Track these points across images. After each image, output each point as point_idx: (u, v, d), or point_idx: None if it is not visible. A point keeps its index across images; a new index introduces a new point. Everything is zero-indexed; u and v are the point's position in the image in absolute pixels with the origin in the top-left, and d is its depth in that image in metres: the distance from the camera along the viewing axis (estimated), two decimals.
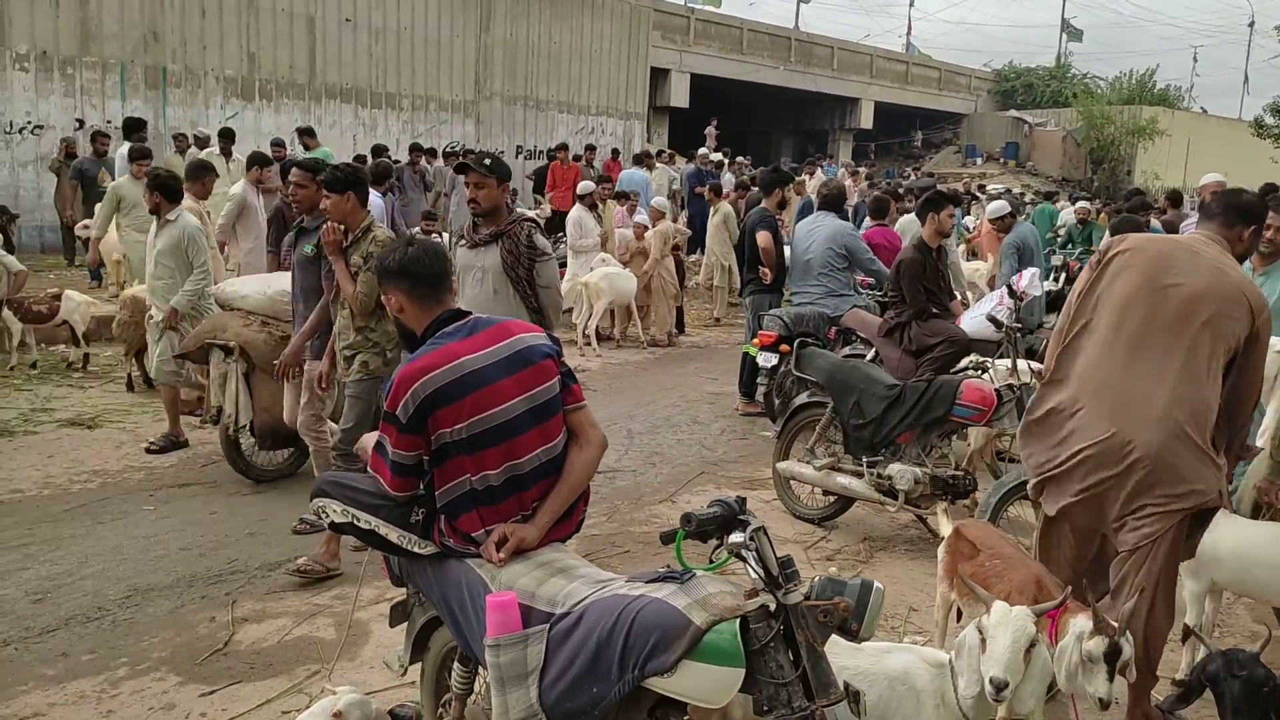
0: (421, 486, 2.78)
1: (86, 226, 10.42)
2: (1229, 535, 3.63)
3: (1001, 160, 35.90)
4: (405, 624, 3.10)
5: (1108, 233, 9.61)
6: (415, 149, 14.05)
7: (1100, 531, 3.52)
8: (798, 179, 15.12)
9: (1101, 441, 3.34)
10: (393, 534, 2.79)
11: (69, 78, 14.42)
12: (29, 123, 13.99)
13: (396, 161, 13.57)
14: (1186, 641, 3.95)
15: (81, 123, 14.30)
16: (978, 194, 22.09)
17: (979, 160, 36.35)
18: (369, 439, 2.83)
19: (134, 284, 8.50)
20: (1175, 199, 10.91)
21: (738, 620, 2.22)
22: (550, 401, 2.76)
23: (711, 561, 2.44)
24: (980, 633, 2.58)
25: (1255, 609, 4.75)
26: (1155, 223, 9.58)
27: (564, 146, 16.32)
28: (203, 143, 13.64)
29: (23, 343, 8.30)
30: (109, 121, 14.30)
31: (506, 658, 2.43)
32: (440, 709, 3.01)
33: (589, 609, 2.40)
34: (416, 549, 2.77)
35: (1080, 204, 14.56)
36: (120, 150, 11.25)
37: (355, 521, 2.84)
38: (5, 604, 4.36)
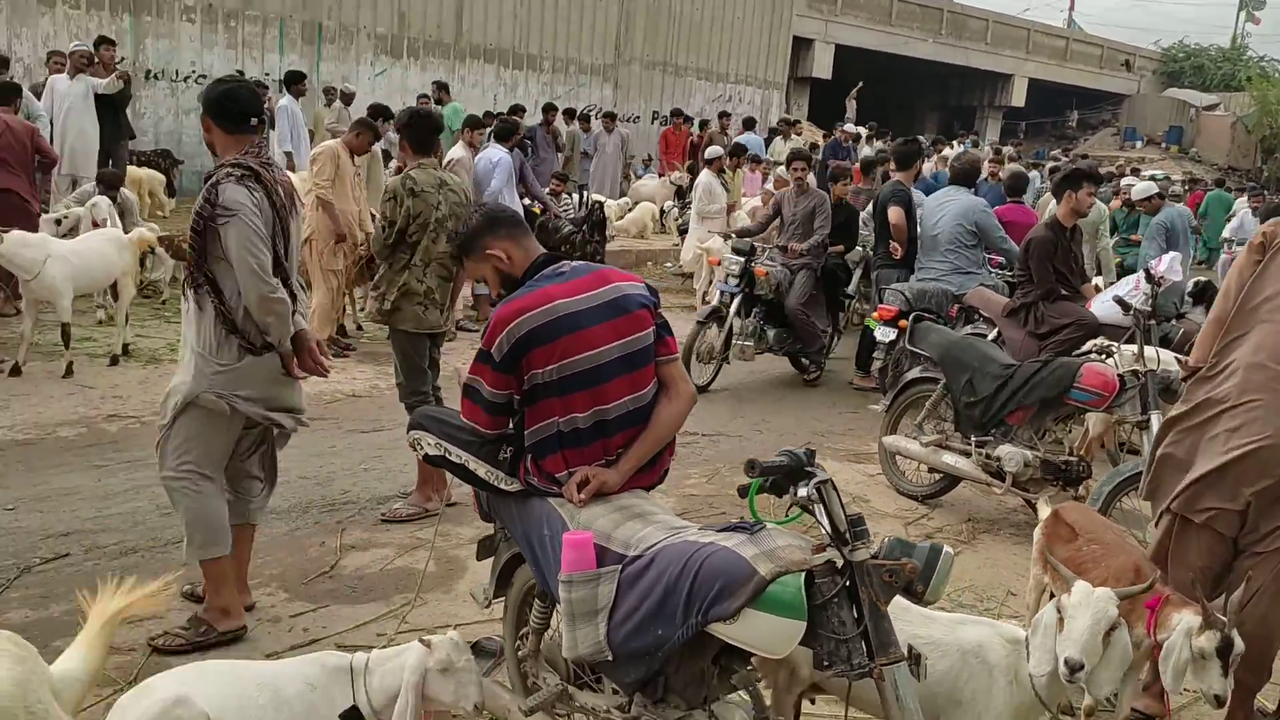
0: (510, 425, 2.86)
1: None
2: None
3: (1163, 145, 33.99)
4: (491, 558, 3.21)
5: (1258, 221, 9.01)
6: (548, 109, 14.23)
7: (1234, 538, 3.26)
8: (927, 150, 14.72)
9: (1269, 438, 3.09)
10: (481, 469, 2.88)
11: (231, 30, 15.13)
12: (193, 72, 14.74)
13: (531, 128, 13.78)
14: None
15: (242, 74, 14.98)
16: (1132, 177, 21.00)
17: (1139, 144, 34.50)
18: (463, 370, 2.92)
19: None
20: None
21: (803, 574, 2.22)
22: (642, 351, 2.79)
23: (786, 516, 2.45)
24: (1059, 612, 2.50)
25: None
26: None
27: (678, 112, 16.25)
28: (348, 98, 14.15)
29: (174, 278, 8.83)
30: (267, 74, 14.93)
31: (578, 594, 2.49)
32: (518, 642, 3.10)
33: (660, 553, 2.44)
34: (503, 485, 2.85)
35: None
36: (282, 102, 11.75)
37: (447, 455, 2.94)
38: (138, 515, 4.69)
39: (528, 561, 2.86)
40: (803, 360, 8.21)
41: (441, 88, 13.60)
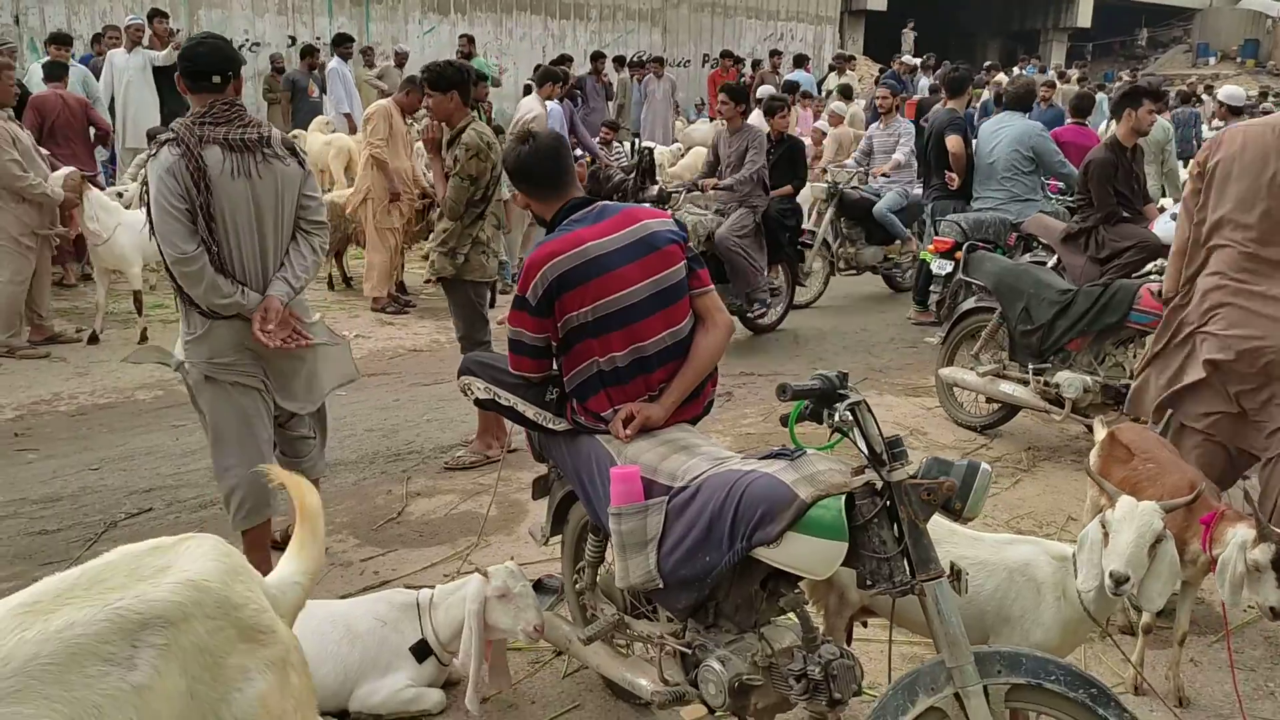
0: (555, 366, 2.93)
1: (296, 136, 11.12)
2: None
3: (1238, 60, 32.52)
4: (547, 498, 3.30)
5: None
6: (597, 57, 14.14)
7: (1234, 445, 3.48)
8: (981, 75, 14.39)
9: (1233, 345, 3.33)
10: (529, 411, 2.95)
11: None
12: (247, 40, 14.94)
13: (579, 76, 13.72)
14: None
15: (294, 39, 15.17)
16: (1203, 97, 20.26)
17: (1212, 60, 33.07)
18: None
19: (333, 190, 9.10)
20: None
21: (843, 496, 2.26)
22: (675, 286, 2.82)
23: (829, 441, 2.48)
24: (1103, 527, 2.51)
25: None
26: None
27: (727, 54, 16.03)
28: (402, 59, 14.19)
29: None
30: (318, 38, 15.08)
31: (628, 526, 2.57)
32: (576, 576, 3.20)
33: (705, 483, 2.49)
34: (551, 425, 2.92)
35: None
36: (331, 65, 11.88)
37: (497, 398, 3.02)
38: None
39: (580, 498, 2.94)
40: (749, 314, 7.40)
41: (469, 41, 13.57)
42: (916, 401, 6.10)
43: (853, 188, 8.85)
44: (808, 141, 11.41)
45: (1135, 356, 5.34)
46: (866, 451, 2.23)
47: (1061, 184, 7.84)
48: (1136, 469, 3.28)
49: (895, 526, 2.24)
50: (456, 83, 4.86)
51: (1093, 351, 5.06)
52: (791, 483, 2.31)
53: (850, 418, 2.21)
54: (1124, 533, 2.45)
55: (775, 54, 16.94)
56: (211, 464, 3.71)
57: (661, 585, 2.55)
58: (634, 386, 2.81)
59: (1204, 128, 14.12)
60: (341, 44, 11.80)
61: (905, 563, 2.23)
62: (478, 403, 3.13)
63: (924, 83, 17.27)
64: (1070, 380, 4.97)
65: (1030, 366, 5.19)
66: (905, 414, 5.86)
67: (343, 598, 3.52)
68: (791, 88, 12.66)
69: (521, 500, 4.59)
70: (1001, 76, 15.88)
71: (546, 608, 3.24)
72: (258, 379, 3.60)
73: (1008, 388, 5.26)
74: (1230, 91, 9.62)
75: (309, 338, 3.62)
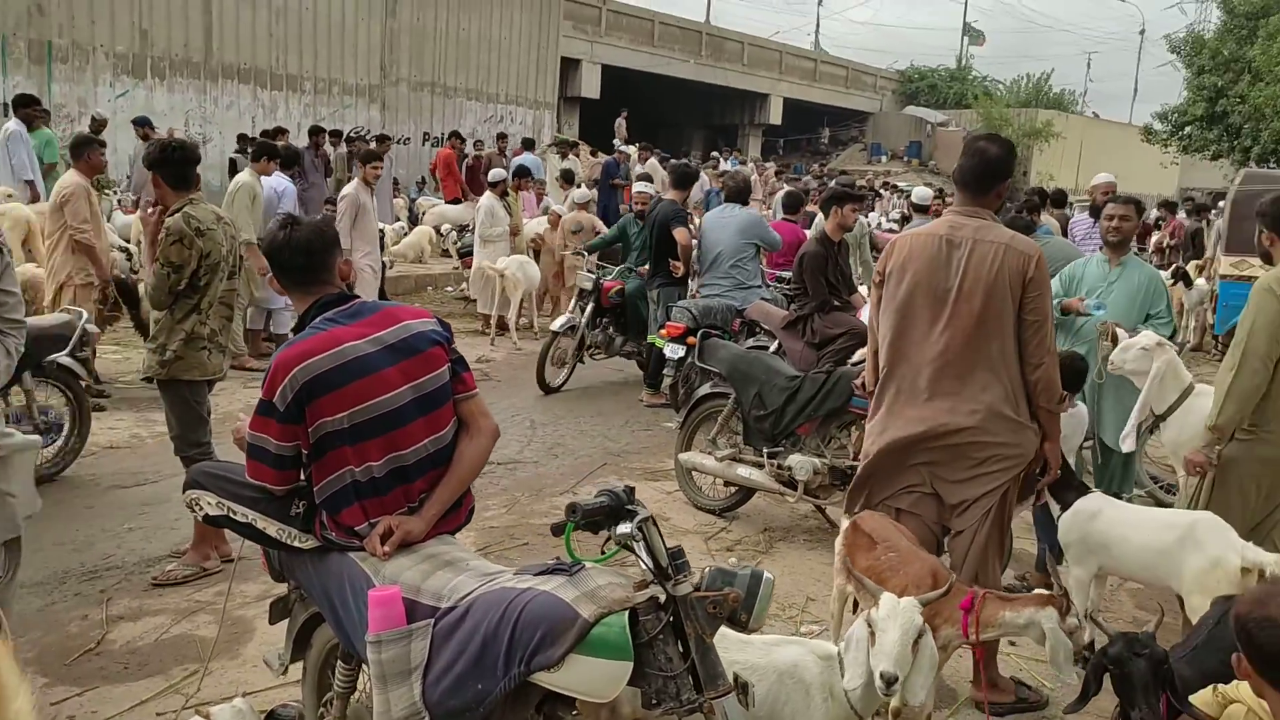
0: (303, 477, 2.66)
1: None
2: (1113, 520, 3.76)
3: (905, 159, 36.75)
4: (286, 621, 2.98)
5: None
6: (316, 131, 13.64)
7: (935, 524, 3.79)
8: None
9: (924, 425, 3.63)
10: (271, 528, 2.66)
11: None
12: None
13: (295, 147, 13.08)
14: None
15: None
16: (881, 191, 22.60)
17: (884, 158, 37.16)
18: (243, 426, 2.69)
19: None
20: (1059, 199, 11.15)
21: (626, 613, 2.17)
22: (438, 390, 2.66)
23: (603, 553, 2.39)
24: (869, 626, 2.58)
25: (1138, 595, 4.91)
26: (1048, 219, 9.82)
27: (455, 134, 16.06)
28: (100, 125, 12.94)
29: None
30: None
31: (389, 654, 2.34)
32: (322, 708, 2.89)
33: (476, 603, 2.33)
34: (297, 543, 2.65)
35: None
36: (10, 126, 10.59)
37: (231, 514, 2.71)
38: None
39: (329, 622, 2.67)
40: None
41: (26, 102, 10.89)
42: (656, 486, 6.17)
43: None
44: (537, 225, 11.53)
45: (858, 439, 5.71)
46: (651, 565, 2.16)
47: (781, 274, 8.36)
48: (880, 558, 3.42)
49: (679, 642, 2.18)
50: (155, 163, 4.47)
51: (820, 435, 5.35)
52: (572, 600, 2.20)
53: (639, 534, 2.14)
54: (890, 631, 2.52)
55: (502, 136, 17.11)
56: None
57: (428, 718, 2.34)
58: (392, 498, 2.61)
59: (875, 219, 15.69)
60: (25, 105, 10.59)
61: (690, 679, 2.17)
62: (208, 519, 2.79)
63: (639, 169, 18.03)
64: (801, 463, 5.22)
65: (764, 450, 5.40)
66: (646, 498, 5.83)
67: None
68: (522, 172, 12.76)
69: (247, 617, 4.15)
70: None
71: None
72: None
73: (744, 471, 5.44)
74: (921, 192, 10.70)
75: None
